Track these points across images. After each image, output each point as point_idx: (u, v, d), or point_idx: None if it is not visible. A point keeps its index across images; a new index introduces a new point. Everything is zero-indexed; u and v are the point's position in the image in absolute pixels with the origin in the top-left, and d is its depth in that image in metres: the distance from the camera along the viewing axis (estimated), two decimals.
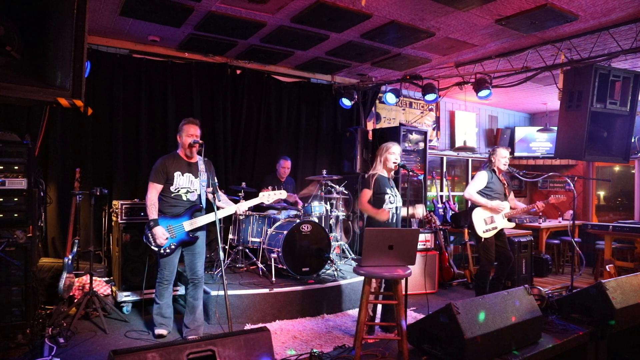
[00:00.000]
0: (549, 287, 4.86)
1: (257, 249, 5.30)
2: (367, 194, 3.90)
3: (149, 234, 3.68)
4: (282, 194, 4.09)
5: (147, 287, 4.36)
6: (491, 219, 4.66)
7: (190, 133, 3.77)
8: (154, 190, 3.72)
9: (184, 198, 3.79)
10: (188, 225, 3.77)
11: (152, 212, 3.68)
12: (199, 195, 3.87)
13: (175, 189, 3.76)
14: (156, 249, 3.70)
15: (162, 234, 3.65)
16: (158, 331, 3.87)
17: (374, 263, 3.20)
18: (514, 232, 6.12)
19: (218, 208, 3.67)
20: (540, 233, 7.12)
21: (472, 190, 4.68)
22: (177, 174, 3.76)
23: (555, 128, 5.30)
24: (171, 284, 3.89)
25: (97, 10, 4.38)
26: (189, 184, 3.81)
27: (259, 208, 5.52)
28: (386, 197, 3.88)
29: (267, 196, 4.02)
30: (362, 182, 4.03)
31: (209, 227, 5.64)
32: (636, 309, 3.43)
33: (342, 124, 7.11)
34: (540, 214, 7.59)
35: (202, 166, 3.88)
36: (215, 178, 3.92)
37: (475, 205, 4.69)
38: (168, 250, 3.73)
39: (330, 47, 5.47)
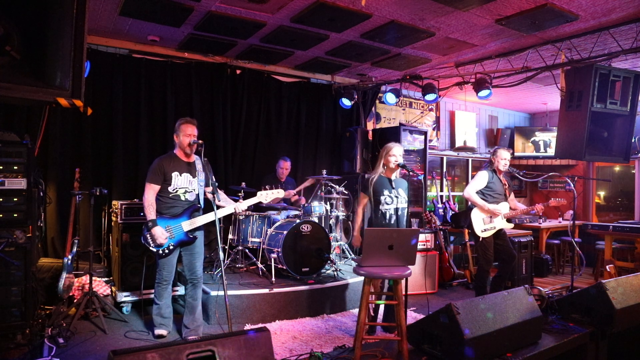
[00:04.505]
0: (549, 287, 4.86)
1: (257, 249, 5.30)
2: (363, 199, 4.01)
3: (147, 235, 3.67)
4: (279, 193, 4.11)
5: (146, 287, 4.37)
6: (490, 219, 4.66)
7: (188, 133, 3.76)
8: (151, 191, 3.71)
9: (183, 198, 3.79)
10: (187, 225, 3.76)
11: (151, 213, 3.67)
12: (197, 195, 3.86)
13: (174, 189, 3.75)
14: (155, 249, 3.69)
15: (161, 234, 3.64)
16: (158, 331, 3.86)
17: (373, 263, 3.19)
18: (514, 232, 6.12)
19: (218, 207, 3.66)
20: (540, 233, 7.12)
21: (472, 190, 4.67)
22: (175, 174, 3.74)
23: (555, 128, 5.29)
24: (170, 284, 3.88)
25: (96, 10, 4.37)
26: (188, 184, 3.80)
27: (258, 208, 5.52)
28: (382, 198, 3.91)
29: (265, 195, 4.03)
30: (362, 184, 4.05)
31: (209, 227, 5.66)
32: (636, 309, 3.43)
33: (342, 124, 7.10)
34: (540, 214, 7.61)
35: (199, 165, 3.88)
36: (214, 177, 3.91)
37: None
38: (167, 251, 3.72)
39: (330, 47, 5.46)
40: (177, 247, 3.79)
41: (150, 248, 3.69)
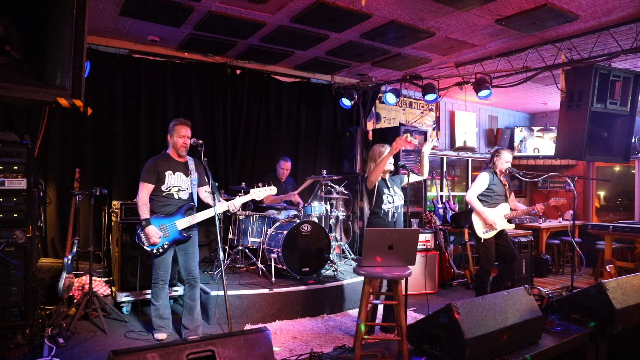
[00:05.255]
0: (549, 287, 4.86)
1: (257, 249, 5.30)
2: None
3: (141, 234, 3.68)
4: (272, 190, 4.12)
5: (144, 287, 4.37)
6: None
7: (182, 134, 3.78)
8: (145, 190, 3.73)
9: (176, 197, 3.81)
10: (181, 223, 3.77)
11: (144, 212, 3.68)
12: (191, 194, 3.89)
13: (167, 188, 3.77)
14: (149, 248, 3.70)
15: (155, 233, 3.64)
16: (158, 335, 3.86)
17: (373, 263, 3.19)
18: (515, 232, 6.12)
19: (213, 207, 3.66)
20: (540, 233, 7.11)
21: (473, 194, 4.64)
22: (168, 173, 3.77)
23: (555, 128, 5.29)
24: (167, 284, 3.88)
25: (96, 10, 4.37)
26: (181, 183, 3.82)
27: (258, 208, 5.52)
28: (384, 197, 3.96)
29: (258, 192, 4.06)
30: (363, 182, 4.09)
31: (209, 227, 5.69)
32: (636, 309, 3.43)
33: (342, 124, 7.10)
34: (541, 214, 7.60)
35: (192, 165, 3.91)
36: (207, 178, 3.91)
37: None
38: (161, 250, 3.73)
39: (330, 47, 5.46)
40: (172, 246, 3.80)
41: (145, 247, 3.70)
